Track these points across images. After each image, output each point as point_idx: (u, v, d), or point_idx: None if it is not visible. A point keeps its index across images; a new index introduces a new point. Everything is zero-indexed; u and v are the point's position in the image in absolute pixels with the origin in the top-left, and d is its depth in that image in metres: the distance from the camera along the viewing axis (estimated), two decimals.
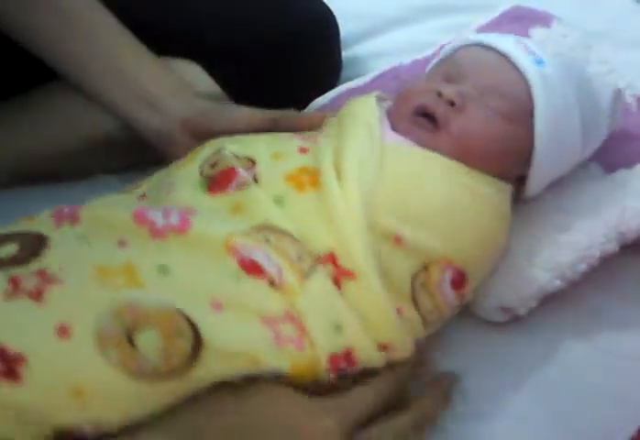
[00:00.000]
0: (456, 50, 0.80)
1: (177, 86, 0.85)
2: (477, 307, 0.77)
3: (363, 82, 0.94)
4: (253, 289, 0.64)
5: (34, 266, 0.63)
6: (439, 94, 0.73)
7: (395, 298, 0.67)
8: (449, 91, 0.73)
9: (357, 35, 1.03)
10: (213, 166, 0.72)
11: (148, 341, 0.60)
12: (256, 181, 0.69)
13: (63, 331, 0.59)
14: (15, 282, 0.61)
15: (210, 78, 0.91)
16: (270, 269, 0.64)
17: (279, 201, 0.68)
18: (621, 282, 0.81)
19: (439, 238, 0.69)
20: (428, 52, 0.97)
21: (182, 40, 0.91)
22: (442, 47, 0.95)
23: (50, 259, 0.64)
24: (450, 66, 0.78)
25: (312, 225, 0.67)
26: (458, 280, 0.70)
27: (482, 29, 0.96)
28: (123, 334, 0.60)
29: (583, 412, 0.73)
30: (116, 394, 0.59)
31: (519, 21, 0.93)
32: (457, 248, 0.70)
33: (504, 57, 0.76)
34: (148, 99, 0.83)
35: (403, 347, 0.68)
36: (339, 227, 0.67)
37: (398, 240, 0.68)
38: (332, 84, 0.97)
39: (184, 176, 0.72)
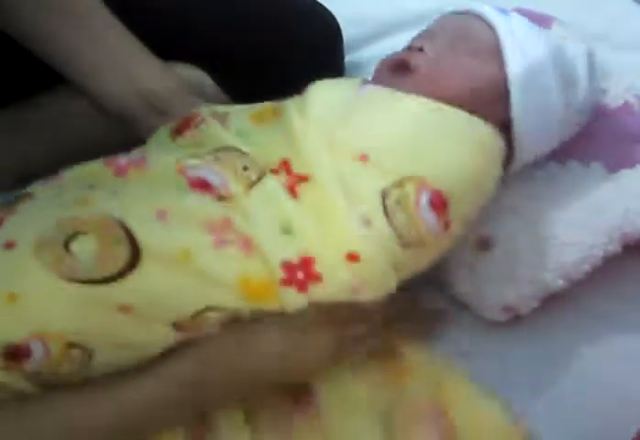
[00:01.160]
0: (433, 22, 0.83)
1: (178, 87, 0.85)
2: (478, 306, 0.78)
3: None
4: (199, 201, 0.67)
5: (10, 209, 0.68)
6: (410, 48, 0.77)
7: (359, 209, 0.67)
8: (417, 41, 0.77)
9: (358, 40, 1.03)
10: (180, 119, 0.76)
11: (83, 245, 0.63)
12: (223, 121, 0.74)
13: (9, 244, 0.63)
14: None
15: (214, 82, 0.91)
16: (216, 182, 0.67)
17: (241, 133, 0.72)
18: (623, 283, 0.81)
19: (409, 158, 0.70)
20: None
21: (185, 45, 0.91)
22: None
23: (23, 204, 0.69)
24: (422, 32, 0.81)
25: (267, 144, 0.71)
26: (437, 202, 0.70)
27: None
28: (61, 240, 0.63)
29: (585, 412, 0.73)
30: (50, 298, 0.61)
31: None
32: (432, 170, 0.70)
33: (474, 15, 0.79)
34: (150, 99, 0.83)
35: (376, 261, 0.67)
36: (293, 139, 0.70)
37: (363, 157, 0.69)
38: None
39: (159, 132, 0.77)
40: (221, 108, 0.77)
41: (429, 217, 0.69)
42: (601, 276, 0.78)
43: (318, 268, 0.65)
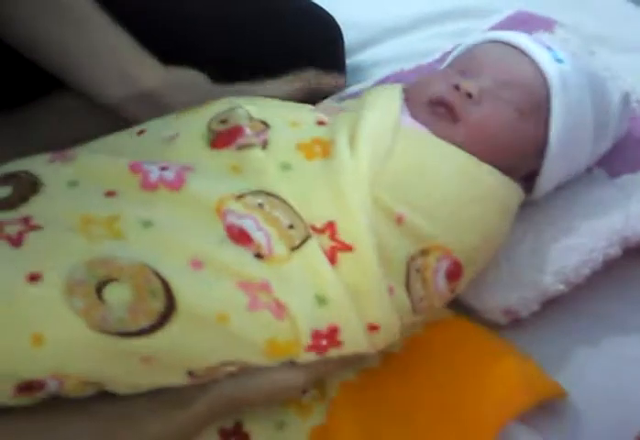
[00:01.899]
0: (472, 47, 0.80)
1: (175, 87, 0.85)
2: (479, 309, 0.77)
3: (365, 87, 0.94)
4: (237, 256, 0.63)
5: (21, 211, 0.63)
6: (457, 87, 0.73)
7: (388, 277, 0.66)
8: (467, 84, 0.73)
9: (358, 44, 1.03)
10: (222, 122, 0.71)
11: (117, 295, 0.59)
12: (265, 145, 0.69)
13: (34, 277, 0.59)
14: None
15: (216, 86, 0.91)
16: (259, 238, 0.64)
17: (286, 167, 0.68)
18: (623, 286, 0.80)
19: (441, 226, 0.68)
20: (431, 58, 0.97)
21: (184, 47, 0.91)
22: (445, 53, 0.95)
23: (38, 206, 0.64)
24: (466, 61, 0.78)
25: (314, 194, 0.67)
26: (454, 271, 0.69)
27: None
28: (93, 285, 0.59)
29: (585, 415, 0.72)
30: (76, 345, 0.58)
31: (522, 26, 0.93)
32: (458, 239, 0.69)
33: (522, 52, 0.76)
34: (149, 98, 0.83)
35: (391, 331, 0.67)
36: (345, 197, 0.66)
37: (399, 220, 0.67)
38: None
39: (191, 126, 0.72)
40: (255, 111, 0.72)
41: (442, 287, 0.69)
42: (601, 279, 0.77)
43: (342, 336, 0.65)
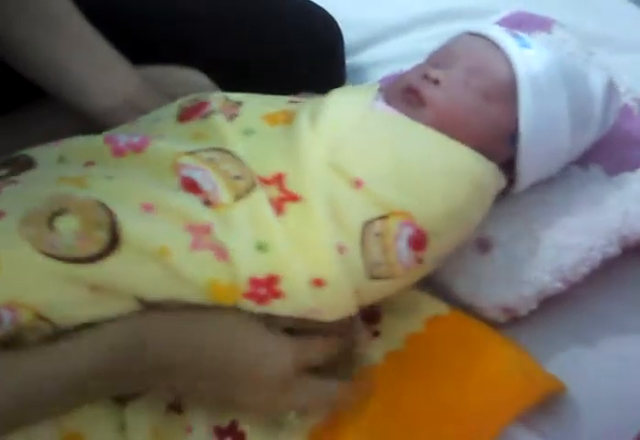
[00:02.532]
0: (446, 41, 0.81)
1: (151, 88, 0.85)
2: (478, 307, 0.77)
3: None
4: (186, 202, 0.67)
5: (11, 179, 0.70)
6: (425, 76, 0.75)
7: (339, 236, 0.67)
8: (435, 72, 0.75)
9: (357, 44, 1.04)
10: (193, 100, 0.77)
11: (67, 224, 0.64)
12: (233, 117, 0.73)
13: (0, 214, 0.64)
14: None
15: (214, 85, 0.91)
16: (206, 187, 0.67)
17: (248, 132, 0.72)
18: (622, 284, 0.81)
19: (402, 192, 0.69)
20: None
21: (184, 47, 0.91)
22: None
23: (25, 176, 0.71)
24: (440, 54, 0.80)
25: (268, 152, 0.70)
26: (417, 240, 0.69)
27: None
28: (46, 216, 0.64)
29: (585, 414, 0.72)
30: (27, 270, 0.63)
31: (520, 26, 0.93)
32: (421, 206, 0.69)
33: (491, 42, 0.77)
34: (128, 100, 0.83)
35: (340, 290, 0.67)
36: (297, 153, 0.69)
37: (358, 183, 0.68)
38: None
39: (168, 107, 0.78)
40: (235, 96, 0.77)
41: (404, 254, 0.69)
42: (600, 277, 0.78)
43: (282, 286, 0.65)
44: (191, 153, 0.70)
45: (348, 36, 0.99)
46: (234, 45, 0.92)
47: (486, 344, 0.74)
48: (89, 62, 0.83)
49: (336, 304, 0.68)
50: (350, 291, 0.67)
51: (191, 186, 0.68)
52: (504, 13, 0.98)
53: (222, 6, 0.94)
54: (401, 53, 1.03)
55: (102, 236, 0.64)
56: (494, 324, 0.77)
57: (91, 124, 0.84)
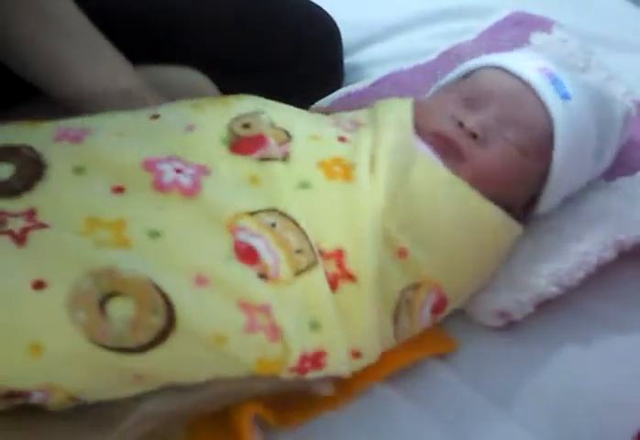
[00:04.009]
0: (477, 70, 0.79)
1: (150, 87, 0.83)
2: (473, 311, 0.77)
3: (362, 87, 0.95)
4: (242, 275, 0.63)
5: (25, 200, 0.62)
6: (461, 124, 0.73)
7: (381, 308, 0.67)
8: (471, 123, 0.73)
9: (356, 43, 1.03)
10: (245, 126, 0.70)
11: (121, 311, 0.59)
12: (286, 158, 0.69)
13: (39, 284, 0.59)
14: (1, 218, 0.61)
15: (213, 85, 0.91)
16: (267, 259, 0.63)
17: (305, 185, 0.67)
18: (619, 287, 0.80)
19: (439, 263, 0.69)
20: (428, 58, 0.97)
21: (184, 48, 0.91)
22: (442, 53, 0.95)
23: (43, 196, 0.63)
24: (471, 87, 0.77)
25: (329, 218, 0.66)
26: (439, 306, 0.70)
27: (483, 35, 0.97)
28: (97, 298, 0.59)
29: (583, 416, 0.72)
30: (72, 357, 0.58)
31: (519, 26, 0.94)
32: (452, 276, 0.70)
33: (528, 87, 0.75)
34: (128, 98, 0.81)
35: (372, 357, 0.67)
36: (359, 226, 0.66)
37: (401, 253, 0.68)
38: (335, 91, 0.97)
39: (210, 122, 0.71)
40: (278, 119, 0.72)
41: (425, 318, 0.70)
42: (598, 281, 0.77)
43: (326, 361, 0.65)
44: (252, 214, 0.64)
45: (347, 35, 0.98)
46: (233, 45, 0.92)
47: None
48: (89, 58, 0.81)
49: (360, 368, 0.67)
50: (378, 356, 0.68)
51: (247, 255, 0.63)
52: (504, 12, 0.98)
53: (221, 6, 0.94)
54: (399, 52, 1.02)
55: (157, 323, 0.59)
56: (491, 329, 0.77)
57: None
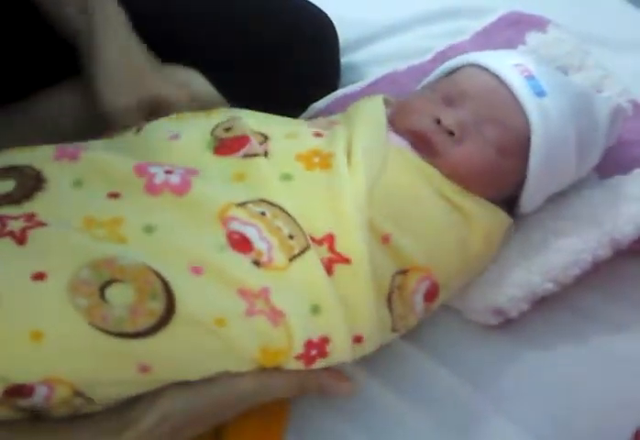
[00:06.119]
0: (458, 68, 0.80)
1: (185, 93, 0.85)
2: (469, 310, 0.77)
3: (359, 88, 0.94)
4: (237, 262, 0.64)
5: (25, 207, 0.64)
6: (438, 121, 0.74)
7: (378, 292, 0.68)
8: (449, 120, 0.74)
9: (352, 42, 1.03)
10: (227, 130, 0.73)
11: (120, 295, 0.60)
12: (266, 154, 0.70)
13: (39, 276, 0.60)
14: (2, 222, 0.62)
15: (209, 84, 0.91)
16: (261, 247, 0.64)
17: (286, 177, 0.69)
18: (616, 284, 0.80)
19: (424, 249, 0.70)
20: (424, 58, 0.97)
21: (180, 46, 0.91)
22: (438, 53, 0.95)
23: (42, 202, 0.65)
24: (449, 85, 0.78)
25: (315, 206, 0.68)
26: (431, 293, 0.71)
27: (478, 34, 0.97)
28: (97, 285, 0.60)
29: (581, 415, 0.73)
30: (74, 343, 0.59)
31: (515, 26, 0.93)
32: (440, 262, 0.71)
33: (504, 85, 0.76)
34: (159, 103, 0.82)
35: (372, 343, 0.68)
36: (344, 210, 0.67)
37: (385, 239, 0.69)
38: (331, 91, 0.97)
39: (193, 130, 0.73)
40: (256, 124, 0.74)
41: (419, 306, 0.71)
42: (594, 278, 0.77)
43: (331, 347, 0.65)
44: (241, 205, 0.66)
45: (345, 34, 0.98)
46: (228, 42, 0.92)
47: None
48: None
49: (359, 356, 0.68)
50: (379, 343, 0.69)
51: (240, 243, 0.64)
52: (500, 12, 0.98)
53: (219, 6, 0.94)
54: (395, 52, 1.02)
55: (157, 308, 0.60)
56: (486, 327, 0.77)
57: (88, 123, 0.84)
